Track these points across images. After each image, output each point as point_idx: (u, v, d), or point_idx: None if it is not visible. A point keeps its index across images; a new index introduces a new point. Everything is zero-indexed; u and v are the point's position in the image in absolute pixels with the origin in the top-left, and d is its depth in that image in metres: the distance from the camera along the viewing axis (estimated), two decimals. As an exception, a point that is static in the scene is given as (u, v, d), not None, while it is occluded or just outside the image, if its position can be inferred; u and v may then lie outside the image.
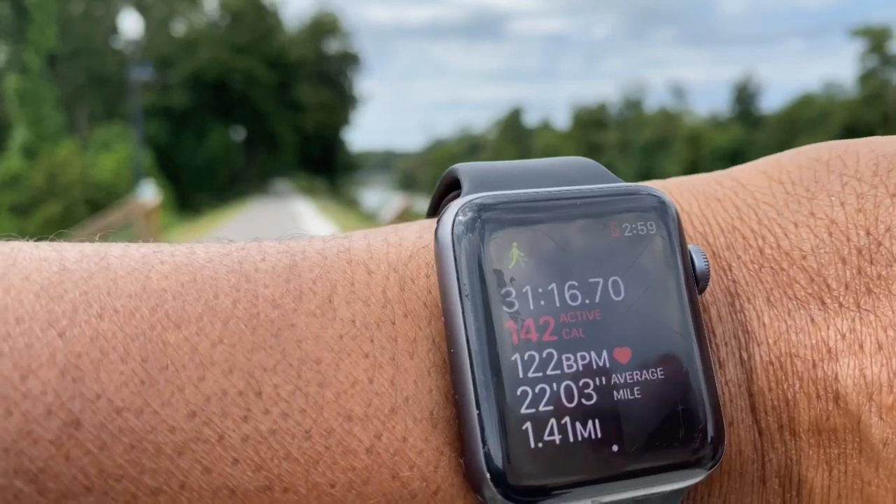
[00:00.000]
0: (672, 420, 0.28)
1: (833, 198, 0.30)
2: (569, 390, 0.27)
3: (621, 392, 0.28)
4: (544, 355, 0.28)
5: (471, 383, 0.27)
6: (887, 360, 0.27)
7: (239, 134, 44.81)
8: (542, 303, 0.28)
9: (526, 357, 0.27)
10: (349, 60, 57.91)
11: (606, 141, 75.75)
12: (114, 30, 35.76)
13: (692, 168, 61.98)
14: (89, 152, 29.05)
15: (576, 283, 0.29)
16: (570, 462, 0.27)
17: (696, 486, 0.30)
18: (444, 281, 0.28)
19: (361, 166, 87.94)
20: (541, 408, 0.27)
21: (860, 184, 0.30)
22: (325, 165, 58.38)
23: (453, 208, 0.29)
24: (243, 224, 22.08)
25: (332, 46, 56.84)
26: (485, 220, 0.28)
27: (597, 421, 0.28)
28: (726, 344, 0.30)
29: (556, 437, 0.27)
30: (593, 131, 78.18)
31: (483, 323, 0.27)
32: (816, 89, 63.42)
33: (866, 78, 53.68)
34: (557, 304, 0.28)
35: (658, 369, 0.28)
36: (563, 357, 0.28)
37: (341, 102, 56.87)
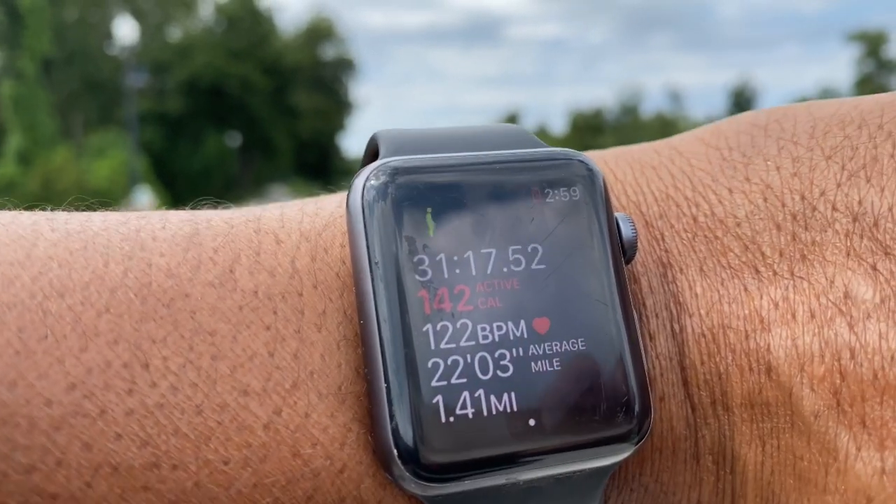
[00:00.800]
0: (594, 393, 0.27)
1: (769, 162, 0.30)
2: (483, 362, 0.26)
3: (539, 364, 0.27)
4: (458, 325, 0.27)
5: (379, 356, 0.26)
6: (819, 329, 0.27)
7: (234, 140, 44.67)
8: (458, 271, 0.27)
9: (438, 327, 0.26)
10: (345, 66, 57.78)
11: (603, 146, 74.84)
12: (109, 35, 35.64)
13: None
14: (84, 158, 28.92)
15: (493, 251, 0.27)
16: (483, 437, 0.26)
17: (625, 463, 0.29)
18: (355, 249, 0.27)
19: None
20: (453, 380, 0.26)
21: (796, 147, 0.30)
22: (322, 171, 58.24)
23: (365, 172, 0.28)
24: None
25: (329, 52, 56.71)
26: (398, 184, 0.27)
27: (513, 394, 0.26)
28: (657, 315, 0.29)
29: (469, 411, 0.26)
30: (590, 136, 78.21)
31: (393, 292, 0.26)
32: (813, 94, 63.54)
33: (863, 83, 53.77)
34: (474, 273, 0.27)
35: (579, 340, 0.27)
36: (479, 327, 0.27)
37: (337, 108, 56.75)
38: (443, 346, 0.26)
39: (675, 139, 0.34)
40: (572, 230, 0.28)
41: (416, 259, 0.27)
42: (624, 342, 0.28)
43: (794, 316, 0.27)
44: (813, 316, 0.27)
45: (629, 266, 0.30)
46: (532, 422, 0.26)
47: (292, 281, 0.27)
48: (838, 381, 0.26)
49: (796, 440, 0.27)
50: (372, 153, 0.32)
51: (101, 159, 28.60)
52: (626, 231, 0.29)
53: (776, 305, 0.28)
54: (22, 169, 25.24)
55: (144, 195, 14.48)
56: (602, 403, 0.27)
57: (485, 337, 0.27)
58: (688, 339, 0.29)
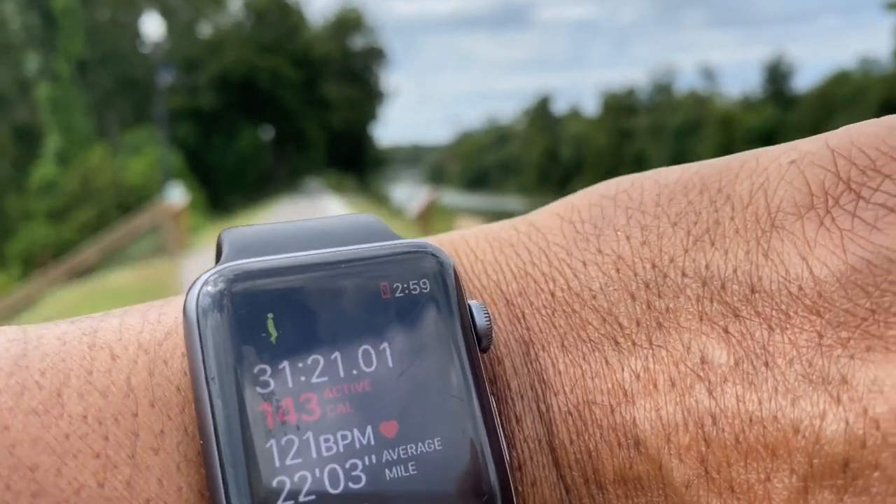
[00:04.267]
0: (452, 494, 0.26)
1: (619, 232, 0.30)
2: (334, 475, 0.25)
3: (395, 470, 0.26)
4: (305, 438, 0.25)
5: (220, 478, 0.24)
6: (681, 397, 0.27)
7: (268, 133, 45.01)
8: (303, 378, 0.26)
9: (283, 443, 0.25)
10: (375, 56, 57.85)
11: (637, 126, 75.14)
12: (139, 35, 36.08)
13: (726, 150, 60.74)
14: (120, 156, 29.32)
15: (341, 354, 0.26)
16: None
17: None
18: (192, 362, 0.25)
19: (390, 162, 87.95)
20: (301, 499, 0.24)
21: (644, 216, 0.30)
22: (354, 162, 58.49)
23: (202, 278, 0.26)
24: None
25: (358, 42, 56.83)
26: (235, 291, 0.26)
27: None
28: (522, 397, 0.29)
29: None
30: (623, 117, 77.55)
31: (233, 408, 0.25)
32: (852, 66, 62.20)
33: (904, 51, 52.50)
34: (320, 379, 0.26)
35: (435, 440, 0.26)
36: (325, 438, 0.25)
37: (368, 98, 56.88)
38: (288, 462, 0.25)
39: (533, 214, 0.34)
40: (423, 325, 0.27)
41: (256, 370, 0.25)
42: (482, 436, 0.27)
43: (655, 386, 0.27)
44: (674, 384, 0.27)
45: (492, 348, 0.29)
46: None
47: (126, 400, 0.25)
48: (704, 449, 0.26)
49: None
50: (219, 252, 0.30)
51: (136, 157, 28.96)
52: (479, 320, 0.28)
53: (638, 377, 0.27)
54: (61, 169, 25.68)
55: (177, 190, 14.66)
56: (465, 501, 0.26)
57: (331, 448, 0.25)
58: (555, 419, 0.28)
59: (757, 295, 0.26)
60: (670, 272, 0.28)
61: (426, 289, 0.28)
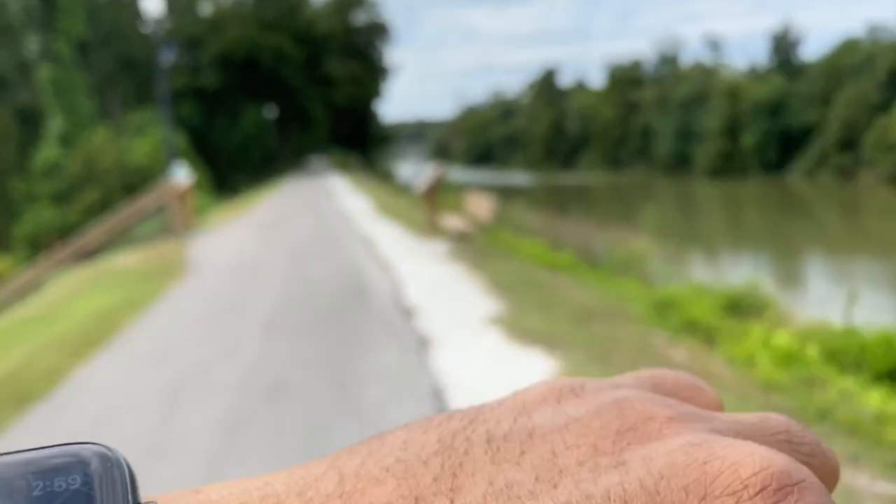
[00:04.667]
0: None
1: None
2: None
3: None
4: None
5: None
6: None
7: (271, 112, 44.76)
8: None
9: None
10: (377, 31, 57.41)
11: (643, 99, 74.79)
12: (140, 15, 35.79)
13: (733, 122, 61.24)
14: (123, 137, 29.20)
15: None
16: None
17: None
18: None
19: (394, 138, 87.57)
20: None
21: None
22: (358, 139, 58.21)
23: None
24: (278, 202, 22.03)
25: (360, 18, 56.37)
26: None
27: None
28: None
29: None
30: (629, 90, 77.15)
31: None
32: (860, 33, 61.48)
33: (911, 17, 51.77)
34: None
35: None
36: None
37: (371, 74, 56.50)
38: None
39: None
40: None
41: None
42: None
43: None
44: None
45: None
46: None
47: None
48: None
49: None
50: None
51: (139, 137, 28.85)
52: None
53: None
54: (64, 151, 25.60)
55: (182, 171, 14.56)
56: None
57: None
58: None
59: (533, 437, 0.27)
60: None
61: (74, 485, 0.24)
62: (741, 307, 8.95)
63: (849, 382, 5.68)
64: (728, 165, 62.43)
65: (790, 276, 20.74)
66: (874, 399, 5.13)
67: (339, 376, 4.39)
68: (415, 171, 53.88)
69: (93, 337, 5.74)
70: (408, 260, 8.88)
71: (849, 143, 53.49)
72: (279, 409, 3.88)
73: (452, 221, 10.49)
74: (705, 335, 7.19)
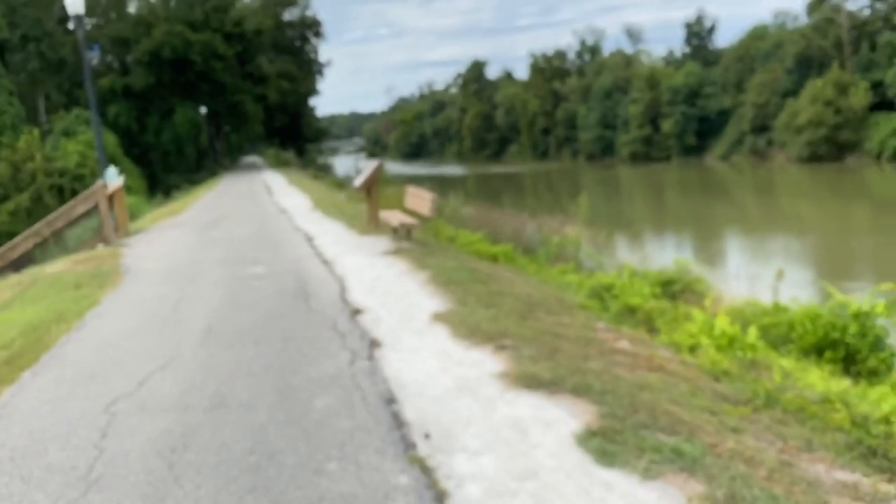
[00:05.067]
0: None
1: None
2: None
3: None
4: None
5: None
6: None
7: (204, 110, 43.83)
8: None
9: None
10: (308, 26, 56.78)
11: (567, 88, 75.45)
12: (64, 14, 34.73)
13: (654, 108, 62.08)
14: (50, 140, 28.39)
15: None
16: None
17: None
18: None
19: (329, 134, 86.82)
20: None
21: None
22: (294, 134, 57.57)
23: None
24: (214, 202, 21.61)
25: (290, 13, 55.70)
26: None
27: None
28: None
29: None
30: (554, 79, 77.73)
31: None
32: (770, 21, 63.45)
33: (816, 4, 53.42)
34: None
35: None
36: None
37: (304, 70, 55.91)
38: None
39: None
40: None
41: None
42: None
43: None
44: None
45: None
46: None
47: None
48: None
49: None
50: None
51: (69, 140, 28.08)
52: None
53: None
54: (-12, 157, 24.72)
55: (112, 172, 14.15)
56: None
57: None
58: None
59: None
60: None
61: None
62: (674, 289, 9.05)
63: (787, 362, 5.74)
64: (650, 151, 63.75)
65: (714, 255, 21.13)
66: (815, 378, 5.17)
67: (285, 386, 4.23)
68: (351, 164, 53.47)
69: (18, 355, 5.46)
70: (350, 258, 8.73)
71: (762, 126, 55.13)
72: (221, 429, 3.71)
73: (393, 216, 10.35)
74: (646, 321, 7.21)
